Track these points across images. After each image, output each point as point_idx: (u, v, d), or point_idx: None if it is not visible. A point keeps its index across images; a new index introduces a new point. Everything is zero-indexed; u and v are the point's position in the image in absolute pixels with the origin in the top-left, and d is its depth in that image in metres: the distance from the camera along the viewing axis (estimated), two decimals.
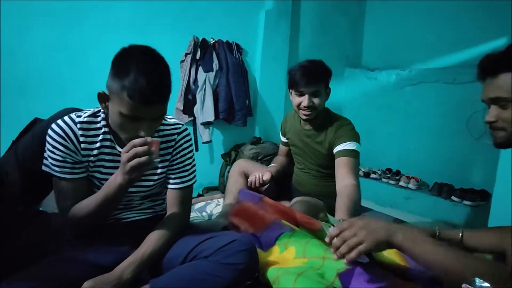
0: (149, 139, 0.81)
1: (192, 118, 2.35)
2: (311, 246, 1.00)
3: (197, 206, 1.58)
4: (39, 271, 0.80)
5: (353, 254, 0.77)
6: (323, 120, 1.54)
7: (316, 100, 1.45)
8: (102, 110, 0.96)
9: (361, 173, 2.78)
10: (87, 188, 0.96)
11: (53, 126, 0.91)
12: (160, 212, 1.12)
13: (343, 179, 1.36)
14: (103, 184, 0.94)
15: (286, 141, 1.74)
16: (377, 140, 2.97)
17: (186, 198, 1.07)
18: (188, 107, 2.32)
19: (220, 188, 2.50)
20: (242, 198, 1.35)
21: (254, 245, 0.95)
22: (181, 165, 1.04)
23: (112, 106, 0.85)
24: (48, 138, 0.90)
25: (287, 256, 1.00)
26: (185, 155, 1.05)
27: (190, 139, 1.08)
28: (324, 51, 2.95)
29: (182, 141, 1.04)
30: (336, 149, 1.46)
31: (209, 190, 2.51)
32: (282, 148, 1.81)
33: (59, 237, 1.03)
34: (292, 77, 1.48)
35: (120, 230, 1.02)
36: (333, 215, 1.24)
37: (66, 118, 0.92)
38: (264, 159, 2.42)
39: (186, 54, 2.32)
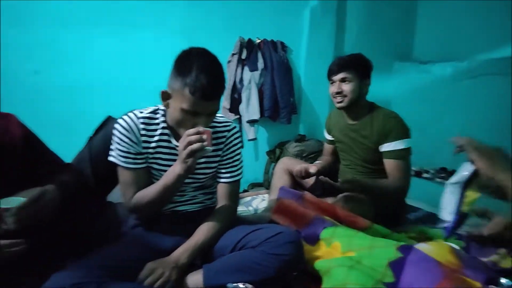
0: (201, 128, 0.89)
1: (238, 116, 2.44)
2: (357, 240, 1.00)
3: (243, 200, 1.65)
4: (107, 253, 0.93)
5: None
6: (368, 113, 1.52)
7: (345, 87, 1.47)
8: (160, 108, 1.05)
9: (412, 172, 2.64)
10: (147, 178, 1.06)
11: (119, 120, 1.02)
12: (210, 205, 1.20)
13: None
14: (160, 175, 1.04)
15: (331, 139, 1.73)
16: (429, 137, 2.78)
17: (234, 191, 1.14)
18: (234, 105, 2.41)
19: (265, 184, 2.56)
20: (282, 195, 1.38)
21: (300, 237, 0.98)
22: (230, 160, 1.11)
23: (173, 103, 0.94)
24: (114, 131, 1.02)
25: (333, 252, 1.02)
26: (234, 151, 1.12)
27: (239, 136, 1.15)
28: (371, 45, 2.83)
29: (232, 138, 1.11)
30: (385, 148, 1.43)
31: (254, 186, 2.58)
32: (327, 147, 1.80)
33: (123, 224, 1.16)
34: (328, 68, 1.55)
35: (176, 220, 1.11)
36: (381, 212, 1.21)
37: (130, 113, 1.03)
38: (309, 157, 2.42)
39: (232, 55, 2.41)
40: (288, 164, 1.67)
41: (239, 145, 1.14)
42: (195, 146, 0.87)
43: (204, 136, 0.88)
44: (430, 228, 1.37)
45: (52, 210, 0.86)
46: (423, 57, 3.07)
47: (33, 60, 1.98)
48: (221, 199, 1.11)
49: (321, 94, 2.73)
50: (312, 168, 1.52)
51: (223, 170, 1.11)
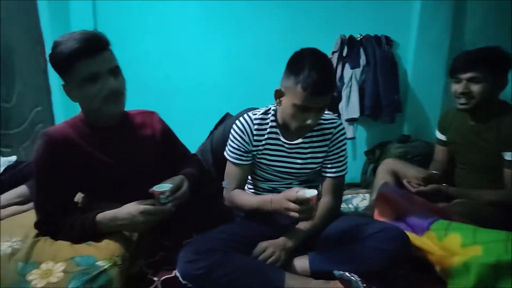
0: (310, 194, 0.90)
1: (336, 114, 2.41)
2: (483, 232, 0.90)
3: (343, 198, 1.65)
4: (227, 229, 1.08)
5: None
6: (497, 114, 1.32)
7: (474, 88, 1.29)
8: (272, 109, 1.16)
9: None
10: (249, 173, 1.19)
11: (237, 121, 1.17)
12: None
13: None
14: (268, 169, 1.14)
15: (445, 140, 1.56)
16: None
17: (339, 186, 1.18)
18: (333, 104, 2.40)
19: (362, 185, 2.47)
20: (385, 190, 1.33)
21: (407, 234, 0.96)
22: (336, 156, 1.15)
23: (285, 100, 1.03)
24: (231, 131, 1.17)
25: (449, 244, 0.95)
26: (340, 147, 1.16)
27: (344, 133, 1.18)
28: (501, 35, 2.40)
29: (338, 135, 1.15)
30: (509, 156, 1.24)
31: (350, 186, 2.51)
32: (439, 149, 1.62)
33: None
34: (451, 63, 1.39)
35: None
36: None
37: (245, 115, 1.17)
38: (414, 159, 2.22)
39: (333, 53, 2.40)
40: (392, 165, 1.59)
41: (344, 141, 1.17)
42: (301, 217, 0.93)
43: (312, 204, 0.90)
44: None
45: (189, 194, 1.05)
46: None
47: (164, 66, 2.42)
48: (326, 193, 1.16)
49: (431, 90, 2.48)
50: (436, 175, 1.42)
51: (328, 165, 1.16)
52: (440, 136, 1.60)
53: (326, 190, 1.16)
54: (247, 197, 1.13)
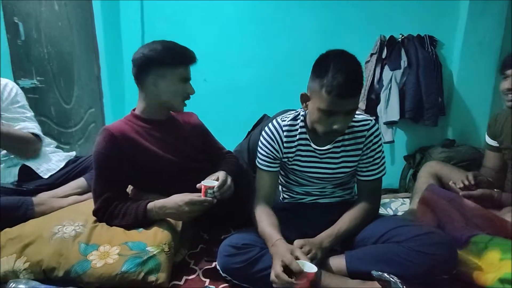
0: (309, 269, 0.83)
1: (374, 117, 2.36)
2: None
3: (381, 201, 1.62)
4: None
5: None
6: None
7: None
8: (301, 114, 1.15)
9: None
10: (276, 181, 1.17)
11: (266, 128, 1.16)
12: (349, 199, 1.25)
13: None
14: (301, 175, 1.15)
15: (496, 145, 1.46)
16: None
17: (376, 188, 1.15)
18: (371, 106, 2.35)
19: (401, 191, 2.38)
20: (431, 192, 1.28)
21: (453, 241, 0.92)
22: (371, 159, 1.12)
23: (311, 104, 1.01)
24: (261, 137, 1.17)
25: (489, 260, 0.90)
26: (374, 149, 1.11)
27: (379, 134, 1.13)
28: None
29: (372, 137, 1.10)
30: None
31: (387, 192, 2.44)
32: (490, 156, 1.50)
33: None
34: (502, 60, 1.30)
35: (317, 210, 1.22)
36: None
37: (274, 122, 1.15)
38: (458, 165, 2.10)
39: (371, 55, 2.35)
40: (436, 168, 1.52)
41: (379, 143, 1.12)
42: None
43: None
44: None
45: (233, 190, 1.12)
46: None
47: (202, 70, 2.53)
48: (363, 196, 1.14)
49: (480, 93, 2.33)
50: (486, 180, 1.33)
51: (363, 169, 1.13)
52: (490, 141, 1.49)
53: (363, 192, 1.14)
54: (261, 219, 1.06)
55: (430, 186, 1.34)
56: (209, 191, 1.05)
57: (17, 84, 1.44)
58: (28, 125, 1.33)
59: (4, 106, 1.29)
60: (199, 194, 1.05)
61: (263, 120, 1.43)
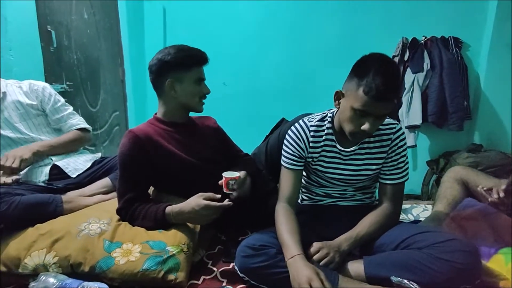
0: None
1: (396, 121, 2.31)
2: None
3: (402, 207, 1.58)
4: None
5: None
6: None
7: None
8: (328, 115, 1.15)
9: None
10: (299, 180, 1.17)
11: (292, 127, 1.17)
12: (369, 204, 1.23)
13: None
14: (324, 176, 1.15)
15: None
16: None
17: (398, 193, 1.13)
18: (392, 110, 2.30)
19: (423, 197, 2.31)
20: (466, 207, 1.23)
21: (477, 249, 0.88)
22: (395, 163, 1.11)
23: (345, 102, 1.01)
24: (287, 136, 1.18)
25: None
26: (399, 153, 1.11)
27: (404, 138, 1.12)
28: None
29: (397, 140, 1.10)
30: None
31: (409, 198, 2.37)
32: None
33: None
34: None
35: (336, 212, 1.21)
36: None
37: (301, 122, 1.17)
38: (486, 171, 2.01)
39: (393, 57, 2.31)
40: (462, 173, 1.46)
41: (404, 147, 1.12)
42: None
43: None
44: None
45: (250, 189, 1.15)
46: None
47: (221, 74, 2.58)
48: (384, 200, 1.12)
49: (508, 95, 2.23)
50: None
51: (387, 172, 1.12)
52: None
53: (385, 196, 1.12)
54: (282, 223, 1.05)
55: (466, 200, 1.28)
56: (231, 182, 1.09)
57: None
58: (73, 122, 1.45)
59: (50, 108, 1.40)
60: (214, 194, 1.07)
61: (282, 124, 1.44)
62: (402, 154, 1.11)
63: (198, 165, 1.20)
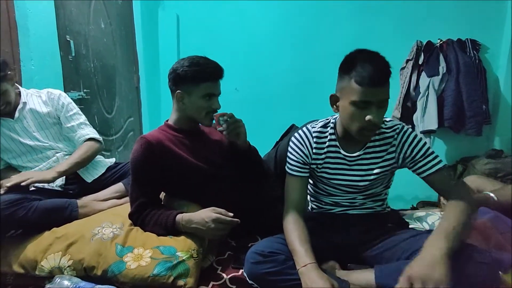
0: None
1: (410, 126, 2.26)
2: None
3: (416, 215, 1.53)
4: None
5: None
6: None
7: None
8: (331, 121, 1.14)
9: None
10: (306, 187, 1.15)
11: (295, 134, 1.17)
12: (381, 211, 1.20)
13: None
14: (329, 183, 1.14)
15: None
16: None
17: (448, 179, 1.03)
18: (407, 114, 2.25)
19: (440, 205, 2.24)
20: (480, 216, 1.18)
21: (494, 260, 0.85)
22: (419, 155, 1.03)
23: (342, 102, 1.00)
24: (290, 143, 1.17)
25: None
26: (417, 146, 1.04)
27: (413, 132, 1.07)
28: None
29: (405, 137, 1.05)
30: None
31: (425, 205, 2.31)
32: None
33: None
34: None
35: (347, 221, 1.18)
36: None
37: (304, 128, 1.16)
38: (506, 178, 1.94)
39: (407, 61, 2.27)
40: (478, 183, 1.42)
41: (419, 138, 1.05)
42: None
43: None
44: None
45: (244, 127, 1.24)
46: None
47: (233, 80, 2.59)
48: (443, 191, 1.03)
49: None
50: None
51: (420, 164, 1.03)
52: None
53: (440, 188, 1.02)
54: (291, 231, 1.03)
55: (482, 210, 1.23)
56: (221, 118, 1.15)
57: None
58: (83, 132, 1.45)
59: (63, 116, 1.43)
60: (227, 212, 1.07)
61: (291, 131, 1.44)
62: (421, 145, 1.04)
63: (205, 168, 1.21)
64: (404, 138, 1.06)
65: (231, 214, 1.08)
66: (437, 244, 0.83)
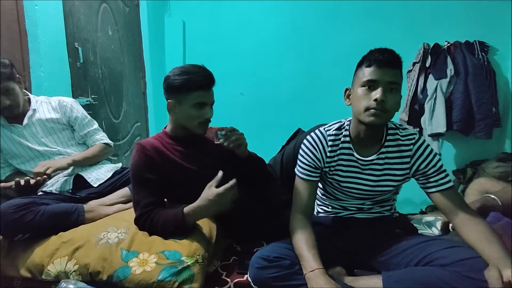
0: None
1: (417, 129, 2.23)
2: None
3: (424, 219, 1.50)
4: None
5: None
6: None
7: None
8: (345, 123, 1.12)
9: None
10: (315, 191, 1.13)
11: (308, 137, 1.15)
12: (388, 216, 1.18)
13: None
14: (340, 187, 1.12)
15: None
16: None
17: (454, 197, 1.01)
18: (414, 117, 2.23)
19: None
20: (491, 222, 1.15)
21: None
22: (432, 170, 1.03)
23: (353, 92, 1.03)
24: (302, 146, 1.15)
25: None
26: (431, 160, 1.03)
27: (428, 146, 1.06)
28: None
29: (421, 150, 1.04)
30: None
31: (434, 209, 2.26)
32: None
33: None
34: None
35: (354, 224, 1.17)
36: None
37: (317, 131, 1.14)
38: None
39: (413, 64, 2.25)
40: (487, 186, 1.38)
41: (433, 153, 1.04)
42: None
43: None
44: None
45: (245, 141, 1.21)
46: None
47: (239, 85, 2.61)
48: (446, 208, 1.01)
49: None
50: None
51: (431, 180, 1.03)
52: None
53: (445, 207, 1.00)
54: (298, 235, 1.03)
55: (492, 215, 1.20)
56: (219, 132, 1.14)
57: None
58: (97, 137, 1.58)
59: (78, 124, 1.52)
60: (216, 179, 1.08)
61: (298, 135, 1.43)
62: (436, 160, 1.03)
63: (198, 172, 1.21)
64: (420, 151, 1.05)
65: (221, 173, 1.08)
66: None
